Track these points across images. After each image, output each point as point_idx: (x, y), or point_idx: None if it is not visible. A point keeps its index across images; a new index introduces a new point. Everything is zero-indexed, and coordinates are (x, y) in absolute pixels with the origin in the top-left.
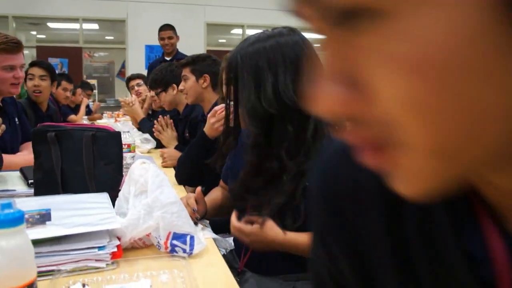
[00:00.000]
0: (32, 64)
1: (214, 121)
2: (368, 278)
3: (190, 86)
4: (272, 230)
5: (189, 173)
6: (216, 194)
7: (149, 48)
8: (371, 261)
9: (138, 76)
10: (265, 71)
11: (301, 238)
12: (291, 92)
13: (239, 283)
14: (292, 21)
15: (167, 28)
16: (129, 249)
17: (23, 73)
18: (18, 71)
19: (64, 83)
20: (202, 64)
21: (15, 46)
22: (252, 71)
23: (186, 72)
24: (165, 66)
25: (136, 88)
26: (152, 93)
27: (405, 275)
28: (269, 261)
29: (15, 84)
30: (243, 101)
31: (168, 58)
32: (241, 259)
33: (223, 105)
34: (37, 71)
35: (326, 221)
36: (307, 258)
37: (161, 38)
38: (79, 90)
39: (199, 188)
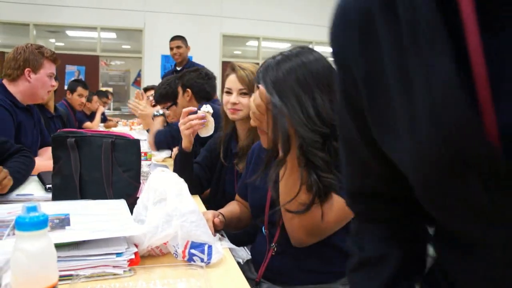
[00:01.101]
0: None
1: (182, 127)
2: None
3: (179, 101)
4: None
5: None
6: (233, 207)
7: (165, 58)
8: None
9: (153, 87)
10: (302, 95)
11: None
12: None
13: None
14: (307, 34)
15: (175, 38)
16: (146, 257)
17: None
18: (53, 80)
19: (79, 89)
20: (187, 78)
21: (57, 58)
22: (292, 94)
23: (178, 88)
24: (169, 79)
25: (151, 98)
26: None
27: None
28: (287, 272)
29: (48, 92)
30: (293, 122)
31: (179, 68)
32: (260, 268)
33: (190, 108)
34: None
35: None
36: (324, 271)
37: (170, 48)
38: (95, 98)
39: (209, 216)
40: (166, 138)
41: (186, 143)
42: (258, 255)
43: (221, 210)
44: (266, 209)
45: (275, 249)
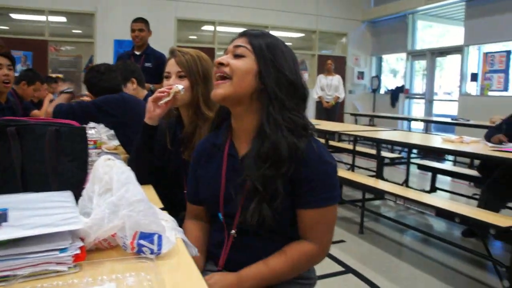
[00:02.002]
0: None
1: (154, 97)
2: None
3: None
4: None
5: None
6: (194, 235)
7: (118, 43)
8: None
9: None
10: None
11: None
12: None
13: None
14: (263, 19)
15: (139, 20)
16: (93, 251)
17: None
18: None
19: (38, 84)
20: (128, 70)
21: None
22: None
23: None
24: (122, 63)
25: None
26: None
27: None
28: (247, 260)
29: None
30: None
31: (138, 53)
32: (221, 256)
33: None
34: (4, 60)
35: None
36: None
37: (132, 30)
38: (44, 85)
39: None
40: (66, 109)
41: (153, 115)
42: (215, 245)
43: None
44: (221, 198)
45: (235, 236)
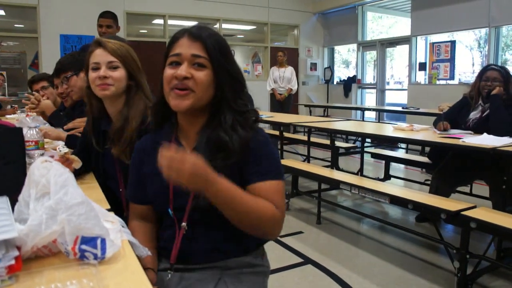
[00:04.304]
0: None
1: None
2: None
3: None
4: (202, 163)
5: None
6: (142, 237)
7: (65, 38)
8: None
9: (42, 78)
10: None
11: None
12: None
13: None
14: (213, 11)
15: (106, 15)
16: (33, 260)
17: None
18: None
19: None
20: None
21: None
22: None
23: None
24: (73, 52)
25: (41, 92)
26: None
27: None
28: (198, 251)
29: None
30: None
31: None
32: (172, 251)
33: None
34: None
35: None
36: (232, 247)
37: (99, 25)
38: None
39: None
40: None
41: None
42: (167, 241)
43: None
44: (170, 192)
45: (186, 229)
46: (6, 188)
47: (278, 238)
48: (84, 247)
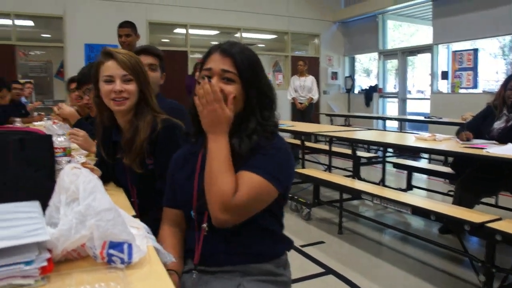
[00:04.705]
0: None
1: None
2: None
3: None
4: (226, 117)
5: None
6: (170, 242)
7: (89, 47)
8: None
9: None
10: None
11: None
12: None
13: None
14: (234, 21)
15: (125, 25)
16: (62, 262)
17: None
18: None
19: (4, 91)
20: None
21: None
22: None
23: None
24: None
25: (85, 96)
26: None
27: None
28: (219, 254)
29: None
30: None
31: None
32: (195, 252)
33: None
34: None
35: None
36: (254, 252)
37: (118, 35)
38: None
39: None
40: None
41: None
42: (190, 244)
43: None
44: (194, 195)
45: (206, 229)
46: (37, 193)
47: (299, 247)
48: (111, 251)
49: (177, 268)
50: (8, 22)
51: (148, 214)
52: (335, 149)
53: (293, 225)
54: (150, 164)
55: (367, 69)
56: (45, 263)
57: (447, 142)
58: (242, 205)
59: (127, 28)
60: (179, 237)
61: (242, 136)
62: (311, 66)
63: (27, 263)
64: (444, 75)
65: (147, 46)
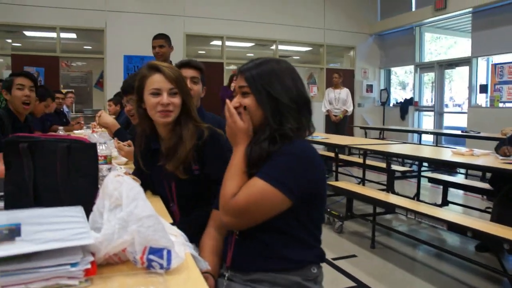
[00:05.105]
0: (21, 74)
1: None
2: None
3: None
4: (247, 124)
5: None
6: (210, 244)
7: (128, 59)
8: None
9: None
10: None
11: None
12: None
13: None
14: (270, 33)
15: (159, 36)
16: (104, 266)
17: None
18: None
19: (49, 101)
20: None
21: None
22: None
23: None
24: None
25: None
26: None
27: None
28: (248, 258)
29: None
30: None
31: None
32: (228, 254)
33: None
34: (27, 81)
35: None
36: (281, 257)
37: (153, 47)
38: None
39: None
40: None
41: None
42: (225, 246)
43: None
44: None
45: (237, 233)
46: (81, 199)
47: (331, 260)
48: (151, 257)
49: (214, 272)
50: (53, 35)
51: (189, 218)
52: (369, 162)
53: (325, 238)
54: (196, 170)
55: (402, 82)
56: (89, 266)
57: (486, 157)
58: (239, 208)
59: (161, 39)
60: (219, 240)
61: (253, 143)
62: (346, 79)
63: (73, 264)
64: (483, 89)
65: (189, 59)
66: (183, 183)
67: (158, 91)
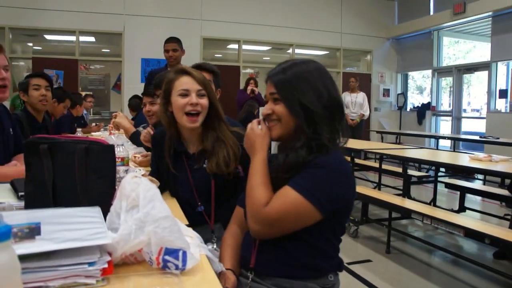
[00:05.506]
0: (36, 75)
1: None
2: None
3: None
4: (264, 140)
5: None
6: (229, 243)
7: (145, 62)
8: None
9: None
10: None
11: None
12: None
13: None
14: (287, 37)
15: (172, 40)
16: (120, 265)
17: (8, 75)
18: (1, 72)
19: (67, 101)
20: None
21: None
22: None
23: None
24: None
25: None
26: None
27: None
28: (270, 263)
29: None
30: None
31: None
32: (252, 256)
33: None
34: (43, 81)
35: None
36: (302, 265)
37: (165, 50)
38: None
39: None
40: None
41: None
42: (244, 248)
43: (230, 263)
44: None
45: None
46: (99, 199)
47: (346, 265)
48: (167, 257)
49: (235, 269)
50: (73, 38)
51: (223, 219)
52: (385, 166)
53: None
54: (240, 171)
55: (420, 86)
56: (105, 265)
57: (505, 163)
58: (272, 217)
59: (174, 43)
60: (241, 238)
61: (287, 151)
62: (363, 83)
63: (90, 264)
64: (503, 94)
65: (201, 62)
66: (219, 184)
67: (186, 92)
